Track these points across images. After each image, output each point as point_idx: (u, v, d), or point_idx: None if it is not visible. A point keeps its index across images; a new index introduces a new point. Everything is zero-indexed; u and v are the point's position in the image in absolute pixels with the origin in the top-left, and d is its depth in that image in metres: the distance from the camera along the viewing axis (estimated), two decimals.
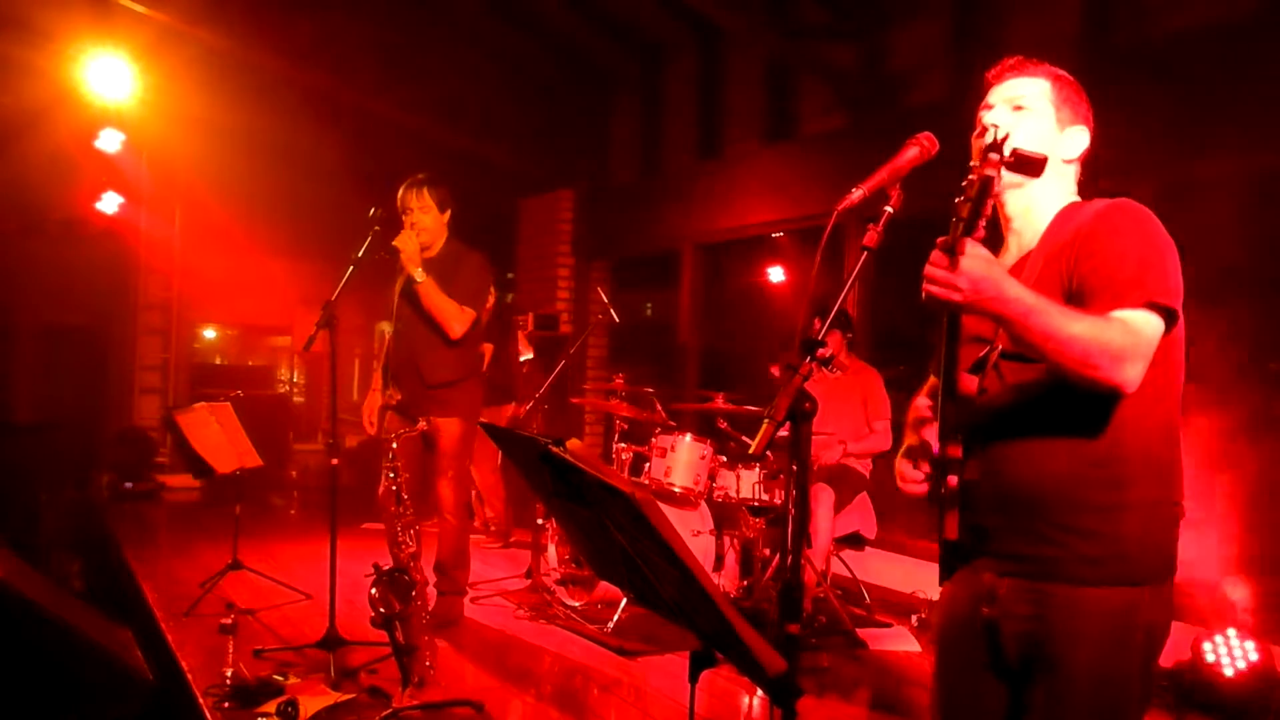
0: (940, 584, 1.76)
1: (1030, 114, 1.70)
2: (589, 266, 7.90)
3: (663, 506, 1.47)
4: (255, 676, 3.30)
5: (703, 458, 4.54)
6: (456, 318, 4.05)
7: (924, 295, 1.42)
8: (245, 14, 6.30)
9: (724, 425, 4.89)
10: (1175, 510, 1.60)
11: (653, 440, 4.67)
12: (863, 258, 1.63)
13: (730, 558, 4.77)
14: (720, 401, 4.67)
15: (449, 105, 7.50)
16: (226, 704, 3.13)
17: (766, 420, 1.50)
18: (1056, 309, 1.43)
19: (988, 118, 1.73)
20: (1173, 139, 4.00)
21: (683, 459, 4.52)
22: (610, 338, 7.93)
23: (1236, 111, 3.83)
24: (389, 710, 3.07)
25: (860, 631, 4.27)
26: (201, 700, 3.14)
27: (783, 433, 1.56)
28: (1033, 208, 1.74)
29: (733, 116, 6.78)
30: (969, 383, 1.65)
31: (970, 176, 1.31)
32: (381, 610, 3.09)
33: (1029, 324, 1.41)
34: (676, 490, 4.50)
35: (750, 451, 1.54)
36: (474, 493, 6.65)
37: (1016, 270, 1.63)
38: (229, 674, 3.22)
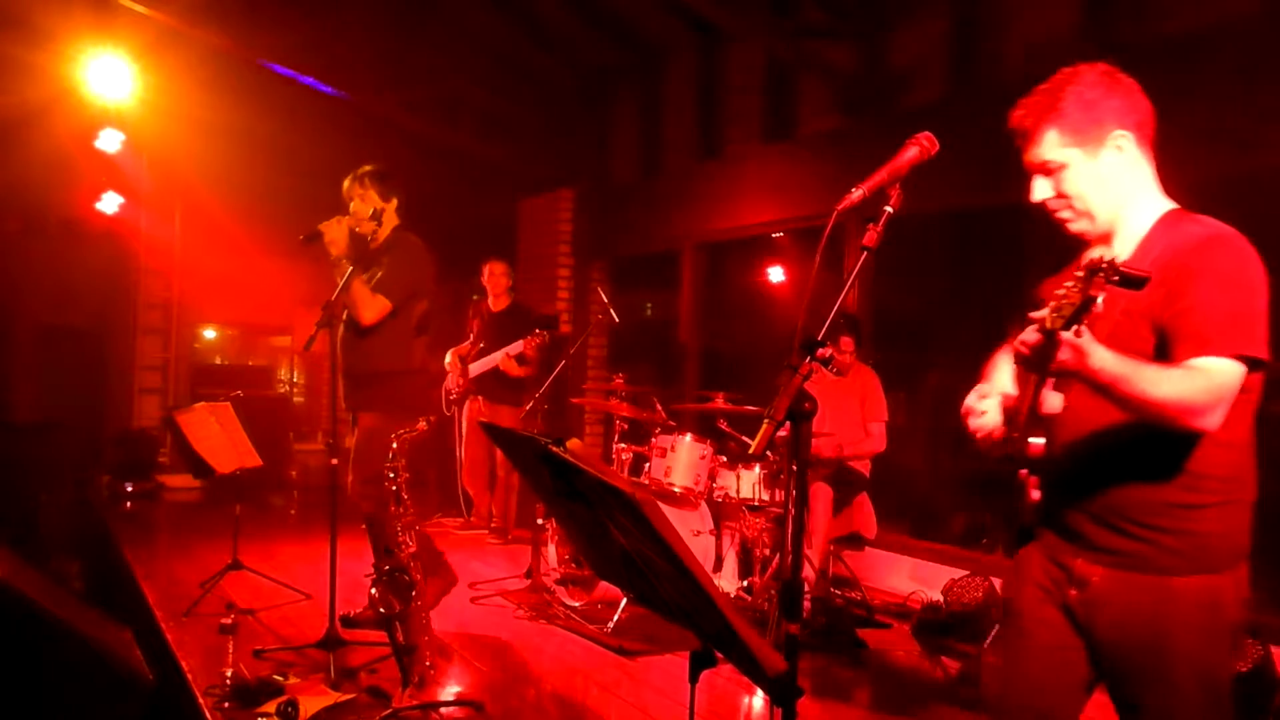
0: (1009, 556, 1.89)
1: (1062, 171, 1.74)
2: (589, 266, 7.90)
3: (663, 506, 1.47)
4: (255, 676, 3.30)
5: (703, 458, 4.54)
6: (366, 304, 3.82)
7: (1016, 357, 1.52)
8: (245, 14, 6.30)
9: (724, 425, 4.89)
10: (1246, 506, 1.69)
11: (653, 440, 4.67)
12: (863, 257, 1.65)
13: (730, 558, 4.77)
14: (720, 401, 4.67)
15: (449, 105, 7.50)
16: (226, 704, 3.12)
17: (766, 420, 1.51)
18: (1142, 372, 1.50)
19: (1033, 195, 1.79)
20: (1173, 138, 3.99)
21: (683, 459, 4.52)
22: (610, 338, 7.93)
23: (1237, 111, 3.84)
24: (389, 710, 3.07)
25: (860, 631, 4.27)
26: (201, 700, 3.14)
27: (782, 433, 1.56)
28: (1121, 218, 1.76)
29: (732, 116, 6.77)
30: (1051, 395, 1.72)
31: (1077, 287, 1.38)
32: (381, 610, 3.09)
33: (1116, 389, 1.50)
34: (676, 490, 4.50)
35: (750, 451, 1.56)
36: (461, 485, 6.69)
37: None
38: (229, 674, 3.22)
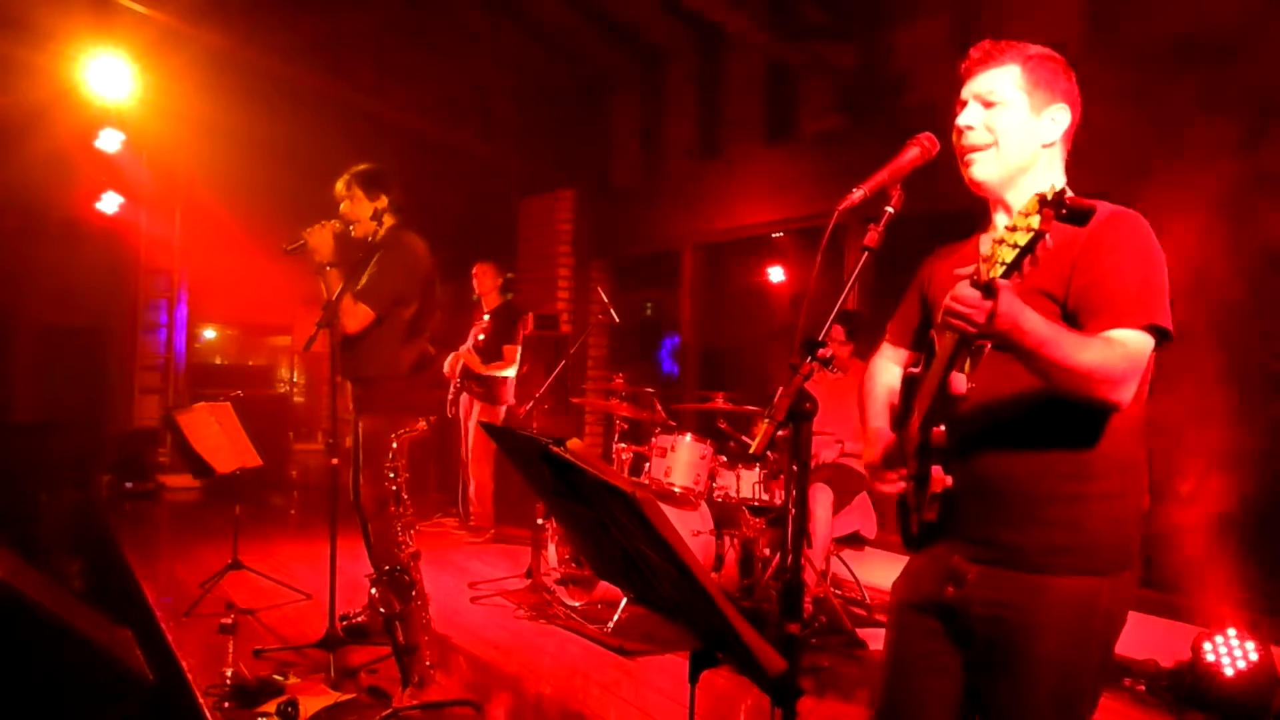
0: (909, 551, 1.83)
1: (1001, 108, 1.69)
2: (589, 266, 7.90)
3: (663, 506, 1.47)
4: (255, 676, 3.30)
5: (703, 458, 4.53)
6: (348, 314, 3.73)
7: (942, 319, 1.43)
8: (245, 14, 6.30)
9: (724, 425, 4.89)
10: (1138, 503, 1.65)
11: (653, 440, 4.67)
12: (863, 258, 1.64)
13: (730, 558, 4.77)
14: (720, 401, 4.67)
15: (449, 105, 7.49)
16: (226, 704, 3.13)
17: (767, 420, 1.50)
18: (1067, 338, 1.45)
19: (960, 118, 1.73)
20: (1173, 137, 3.99)
21: (683, 459, 4.51)
22: (610, 338, 7.93)
23: (1237, 110, 3.84)
24: (389, 710, 3.07)
25: (860, 631, 4.26)
26: (201, 700, 3.13)
27: (783, 432, 1.56)
28: (1023, 197, 1.70)
29: (733, 117, 6.77)
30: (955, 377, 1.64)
31: (1019, 224, 1.29)
32: (381, 610, 3.09)
33: (1042, 353, 1.43)
34: (676, 490, 4.49)
35: (750, 451, 1.55)
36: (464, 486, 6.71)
37: None
38: (229, 674, 3.22)
